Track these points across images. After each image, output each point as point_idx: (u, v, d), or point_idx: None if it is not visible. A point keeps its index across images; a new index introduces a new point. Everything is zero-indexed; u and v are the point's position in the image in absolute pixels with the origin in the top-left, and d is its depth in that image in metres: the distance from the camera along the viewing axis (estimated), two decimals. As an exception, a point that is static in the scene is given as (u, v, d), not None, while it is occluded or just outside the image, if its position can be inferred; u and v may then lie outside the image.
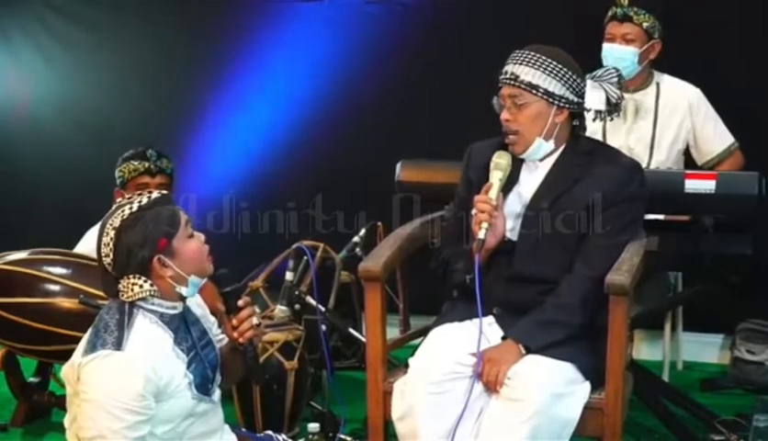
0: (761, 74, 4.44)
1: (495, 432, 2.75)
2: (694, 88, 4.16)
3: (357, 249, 3.79)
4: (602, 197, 2.94)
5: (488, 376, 2.80)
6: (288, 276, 3.78)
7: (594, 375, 2.89)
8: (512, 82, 2.97)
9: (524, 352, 2.84)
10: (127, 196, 2.65)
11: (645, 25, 4.07)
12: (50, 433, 3.96)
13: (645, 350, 4.73)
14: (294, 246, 3.86)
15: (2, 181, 5.45)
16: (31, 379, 4.10)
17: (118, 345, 2.47)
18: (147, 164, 3.86)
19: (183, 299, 2.62)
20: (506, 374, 2.79)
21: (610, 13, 4.13)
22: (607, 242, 2.94)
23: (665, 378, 4.39)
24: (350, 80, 4.95)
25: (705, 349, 4.76)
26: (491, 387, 2.80)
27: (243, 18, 5.09)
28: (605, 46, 4.09)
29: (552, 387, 2.77)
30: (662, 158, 4.10)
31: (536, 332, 2.87)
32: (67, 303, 3.55)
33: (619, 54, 4.04)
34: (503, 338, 2.91)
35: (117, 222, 2.53)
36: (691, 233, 3.48)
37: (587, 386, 2.88)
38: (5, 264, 3.64)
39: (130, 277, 2.53)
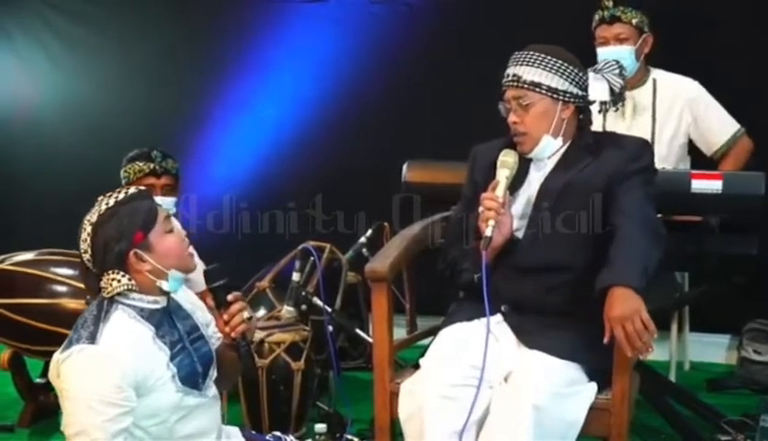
0: (761, 74, 4.44)
1: (500, 434, 2.73)
2: (692, 81, 4.15)
3: (364, 250, 3.79)
4: (615, 174, 2.90)
5: (631, 333, 2.64)
6: (295, 276, 3.78)
7: (601, 375, 2.88)
8: (515, 83, 2.97)
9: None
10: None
11: (634, 21, 4.08)
12: (56, 434, 3.95)
13: (651, 350, 4.73)
14: (300, 247, 3.87)
15: (7, 182, 5.46)
16: (38, 380, 4.12)
17: (92, 339, 2.46)
18: (152, 165, 3.84)
19: (165, 293, 2.61)
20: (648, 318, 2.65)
21: (597, 17, 4.12)
22: (638, 196, 2.87)
23: (672, 378, 4.40)
24: (354, 80, 4.95)
25: (712, 349, 4.77)
26: (647, 340, 2.65)
27: (248, 18, 5.10)
28: (600, 50, 4.07)
29: (553, 386, 2.76)
30: (663, 153, 4.10)
31: (624, 269, 2.70)
32: (73, 304, 3.56)
33: (616, 55, 4.01)
34: (601, 291, 2.70)
35: (94, 218, 2.53)
36: (697, 233, 3.47)
37: (593, 386, 2.87)
38: (11, 264, 3.65)
39: (109, 272, 2.53)
